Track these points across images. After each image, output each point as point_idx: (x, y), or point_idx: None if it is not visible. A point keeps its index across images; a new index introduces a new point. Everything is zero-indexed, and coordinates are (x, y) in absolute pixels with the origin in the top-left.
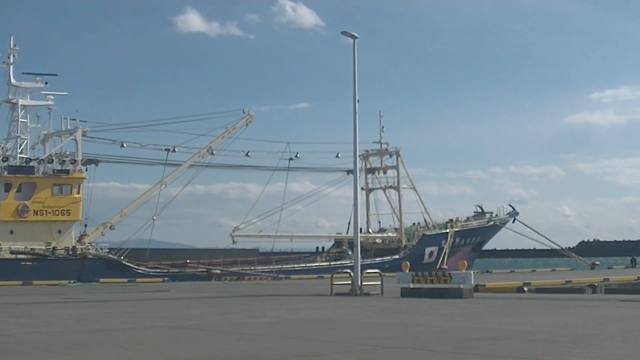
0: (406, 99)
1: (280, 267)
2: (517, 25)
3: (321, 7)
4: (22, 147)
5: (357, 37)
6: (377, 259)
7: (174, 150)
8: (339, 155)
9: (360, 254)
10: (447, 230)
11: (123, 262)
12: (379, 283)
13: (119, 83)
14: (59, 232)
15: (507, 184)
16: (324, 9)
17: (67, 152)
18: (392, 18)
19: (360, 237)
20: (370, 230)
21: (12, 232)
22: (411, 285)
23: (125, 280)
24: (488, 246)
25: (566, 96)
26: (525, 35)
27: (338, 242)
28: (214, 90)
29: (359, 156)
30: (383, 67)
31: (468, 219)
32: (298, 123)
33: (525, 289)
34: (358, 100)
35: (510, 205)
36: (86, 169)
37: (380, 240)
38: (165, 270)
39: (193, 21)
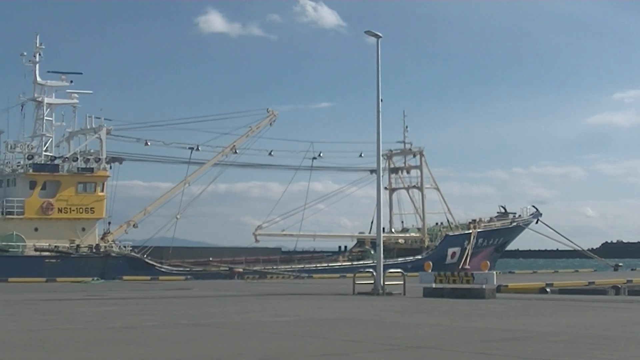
0: (427, 99)
1: (302, 266)
2: (539, 26)
3: (342, 7)
4: (47, 145)
5: (380, 37)
6: (400, 259)
7: (197, 149)
8: (362, 155)
9: (383, 253)
10: (470, 231)
11: (146, 260)
12: (402, 283)
13: (143, 82)
14: (83, 229)
15: (529, 185)
16: (345, 9)
17: (92, 150)
18: (413, 18)
19: (383, 236)
20: (393, 230)
21: (36, 229)
22: (433, 285)
23: (148, 278)
24: (511, 247)
25: (587, 97)
26: (546, 36)
27: (361, 242)
28: (236, 90)
29: (383, 156)
30: (404, 67)
31: (491, 219)
32: (320, 122)
33: (548, 289)
34: (381, 100)
35: (533, 206)
36: (110, 167)
37: (403, 240)
38: (188, 269)
39: (215, 22)
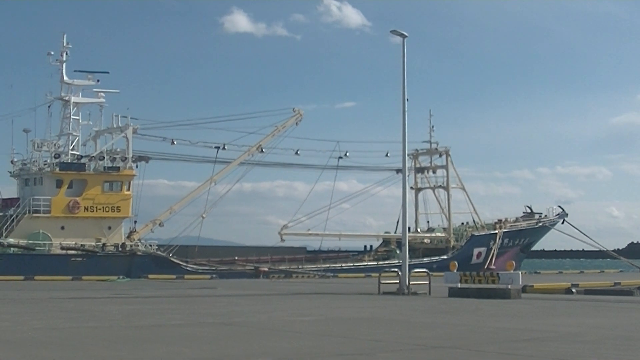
0: (452, 99)
1: (328, 265)
2: (563, 26)
3: (366, 7)
4: (73, 144)
5: (406, 36)
6: (425, 258)
7: (223, 148)
8: (389, 155)
9: (409, 253)
10: (496, 231)
11: (171, 259)
12: (427, 282)
13: (169, 81)
14: (109, 228)
15: (554, 185)
16: (370, 9)
17: (118, 149)
18: (437, 18)
19: (409, 236)
20: (418, 230)
21: (62, 227)
22: (459, 285)
23: (174, 277)
24: (536, 247)
25: (611, 96)
26: (570, 36)
27: (386, 242)
28: (261, 89)
29: (409, 155)
30: (430, 67)
31: (517, 219)
32: (345, 122)
33: (574, 290)
34: (407, 99)
35: (559, 207)
36: (136, 166)
37: (429, 240)
38: (214, 268)
39: (240, 22)
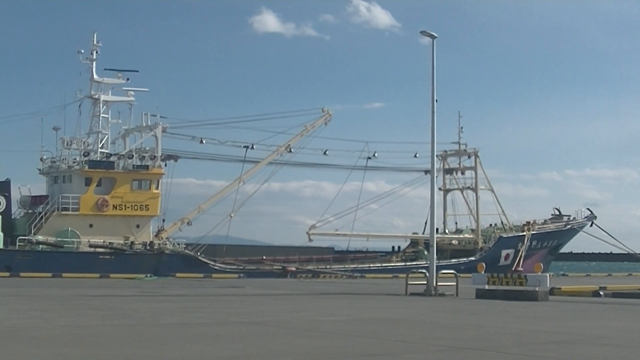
0: (481, 100)
1: (355, 266)
2: (590, 28)
3: (395, 7)
4: (102, 142)
5: (435, 37)
6: (453, 260)
7: (252, 148)
8: (417, 155)
9: (436, 254)
10: (524, 233)
11: (199, 257)
12: (454, 284)
13: (199, 80)
14: (137, 226)
15: (582, 187)
16: (399, 9)
17: (147, 148)
18: (466, 19)
19: (437, 237)
20: (447, 231)
21: (91, 225)
22: (486, 287)
23: (201, 275)
24: (564, 249)
25: None
26: (598, 38)
27: (414, 242)
28: (290, 89)
29: (437, 156)
30: (458, 68)
31: (545, 221)
32: (373, 122)
33: (601, 293)
34: (436, 100)
35: (588, 209)
36: (165, 165)
37: (457, 241)
38: (241, 267)
39: (269, 22)
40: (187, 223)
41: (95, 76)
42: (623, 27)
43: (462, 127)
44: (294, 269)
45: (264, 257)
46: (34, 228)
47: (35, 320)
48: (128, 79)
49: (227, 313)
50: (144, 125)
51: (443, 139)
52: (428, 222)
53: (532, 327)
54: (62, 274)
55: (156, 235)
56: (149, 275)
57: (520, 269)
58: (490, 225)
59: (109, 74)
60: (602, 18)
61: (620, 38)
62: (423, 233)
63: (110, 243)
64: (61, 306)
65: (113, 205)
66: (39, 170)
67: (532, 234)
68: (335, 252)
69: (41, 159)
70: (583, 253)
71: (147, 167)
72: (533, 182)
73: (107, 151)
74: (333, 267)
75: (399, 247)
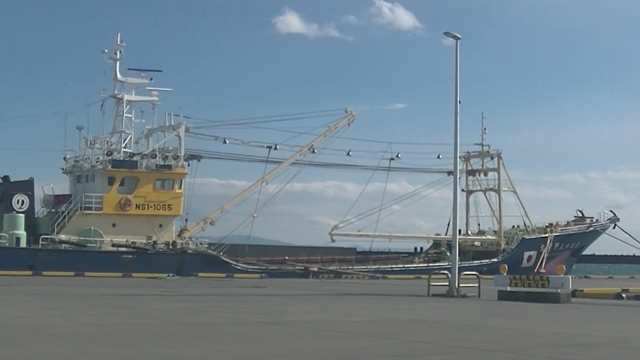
0: (504, 101)
1: (377, 266)
2: (615, 30)
3: (418, 8)
4: (126, 141)
5: (459, 38)
6: (475, 261)
7: (275, 148)
8: (440, 157)
9: (459, 255)
10: (547, 235)
11: (222, 257)
12: (476, 285)
13: (222, 81)
14: (160, 226)
15: (605, 189)
16: (422, 10)
17: (170, 148)
18: (490, 20)
19: (459, 239)
20: (469, 232)
21: (114, 225)
22: (508, 289)
23: (223, 275)
24: (587, 251)
25: None
26: (623, 40)
27: (436, 243)
28: (313, 90)
29: (460, 158)
30: (481, 69)
31: (568, 223)
32: (395, 123)
33: (624, 295)
34: (460, 101)
35: (611, 211)
36: (188, 165)
37: (479, 243)
38: (263, 267)
39: (292, 22)
40: (210, 223)
41: (118, 76)
42: None
43: (485, 129)
44: (316, 269)
45: (286, 258)
46: (57, 227)
47: (58, 319)
48: (151, 79)
49: (249, 313)
50: (167, 125)
51: (466, 140)
52: (450, 224)
53: (554, 329)
54: (85, 272)
55: (179, 235)
56: (171, 274)
57: (542, 270)
58: (513, 226)
59: (133, 73)
60: (625, 19)
61: None
62: (445, 234)
63: (132, 242)
64: (83, 305)
65: (136, 205)
66: (62, 169)
67: (555, 235)
68: (358, 253)
69: (64, 158)
70: (605, 255)
71: (170, 166)
72: (555, 184)
73: (130, 151)
74: (355, 267)
75: (421, 248)
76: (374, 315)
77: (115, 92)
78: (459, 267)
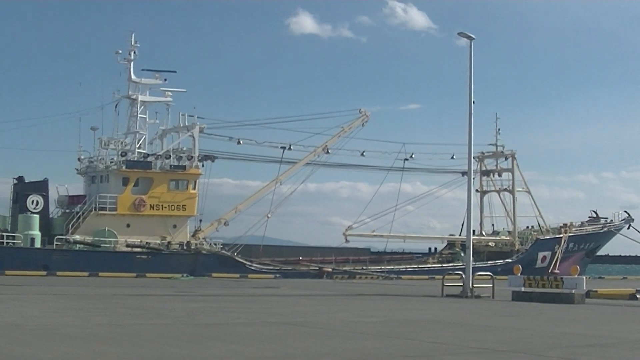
0: (517, 102)
1: (392, 267)
2: (630, 31)
3: (432, 9)
4: (140, 142)
5: (473, 38)
6: (490, 261)
7: (289, 148)
8: (454, 157)
9: (473, 256)
10: (561, 235)
11: (236, 258)
12: (491, 286)
13: (235, 81)
14: (174, 226)
15: (619, 189)
16: (435, 11)
17: (184, 148)
18: (504, 21)
19: (473, 239)
20: (483, 233)
21: (128, 225)
22: (522, 289)
23: (237, 275)
24: (601, 252)
25: None
26: (637, 40)
27: (451, 244)
28: (326, 91)
29: (474, 158)
30: (495, 70)
31: (582, 223)
32: (409, 124)
33: (638, 296)
34: (474, 102)
35: (625, 211)
36: (202, 165)
37: (493, 243)
38: (278, 267)
39: (305, 23)
40: (224, 223)
41: (133, 76)
42: None
43: (499, 129)
44: (330, 269)
45: (301, 258)
46: (71, 227)
47: (72, 319)
48: (166, 80)
49: (263, 313)
50: (182, 125)
51: (480, 140)
52: (465, 224)
53: (568, 330)
54: (99, 273)
55: (193, 236)
56: (185, 275)
57: (556, 271)
58: (527, 227)
59: (147, 74)
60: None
61: None
62: (460, 235)
63: (147, 243)
64: (97, 305)
65: (150, 205)
66: (77, 170)
67: (569, 236)
68: (372, 253)
69: (79, 159)
70: (620, 256)
71: (184, 167)
72: (569, 184)
73: (144, 151)
74: (369, 268)
75: (435, 249)
76: (388, 315)
77: (130, 92)
78: (473, 268)
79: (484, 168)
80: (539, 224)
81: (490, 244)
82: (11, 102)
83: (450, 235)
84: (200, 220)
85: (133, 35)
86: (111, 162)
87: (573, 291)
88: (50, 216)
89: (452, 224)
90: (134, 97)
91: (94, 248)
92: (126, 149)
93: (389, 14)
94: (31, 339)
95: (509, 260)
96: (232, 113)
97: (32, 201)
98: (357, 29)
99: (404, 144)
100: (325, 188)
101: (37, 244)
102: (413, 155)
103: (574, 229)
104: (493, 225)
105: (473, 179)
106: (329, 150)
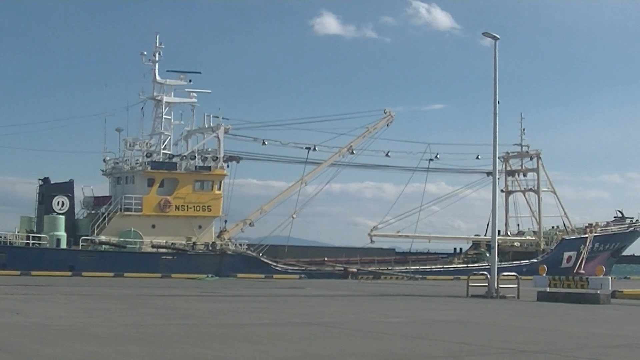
0: (542, 102)
1: (417, 267)
2: None
3: (456, 9)
4: (165, 143)
5: (498, 38)
6: (515, 262)
7: (314, 149)
8: (479, 157)
9: (498, 256)
10: (586, 235)
11: (261, 258)
12: (516, 286)
13: (260, 82)
14: (199, 227)
15: None
16: (459, 11)
17: (209, 149)
18: (529, 21)
19: (499, 239)
20: (508, 233)
21: (153, 226)
22: (548, 289)
23: (263, 276)
24: (627, 252)
25: None
26: None
27: (476, 244)
28: (351, 91)
29: (499, 158)
30: (520, 70)
31: (607, 223)
32: (434, 124)
33: None
34: (498, 102)
35: None
36: (227, 166)
37: (519, 244)
38: (303, 268)
39: (329, 24)
40: (249, 224)
41: (157, 78)
42: None
43: (524, 129)
44: (355, 270)
45: (326, 258)
46: (96, 228)
47: (98, 319)
48: (190, 81)
49: (288, 314)
50: (207, 126)
51: (505, 140)
52: (490, 224)
53: (594, 330)
54: (124, 273)
55: (218, 236)
56: (210, 275)
57: (582, 271)
58: (553, 227)
59: (172, 75)
60: None
61: None
62: (485, 235)
63: (172, 243)
64: (123, 305)
65: (175, 206)
66: (102, 171)
67: (595, 236)
68: (397, 254)
69: (104, 160)
70: None
71: (209, 168)
72: (594, 185)
73: (169, 152)
74: (394, 268)
75: (460, 249)
76: (414, 316)
77: (155, 94)
78: (498, 268)
79: (509, 168)
80: (564, 224)
81: (515, 244)
82: (37, 104)
83: (476, 235)
84: (226, 221)
85: (158, 37)
86: (136, 163)
87: (598, 291)
88: (76, 217)
89: (477, 224)
90: (158, 98)
91: (120, 249)
92: (151, 150)
93: (413, 15)
94: (57, 339)
95: (534, 261)
96: (256, 113)
97: (58, 202)
98: (381, 30)
99: (428, 144)
100: (350, 188)
101: (63, 245)
102: (438, 156)
103: (599, 229)
104: (518, 225)
105: (498, 179)
106: (354, 151)
